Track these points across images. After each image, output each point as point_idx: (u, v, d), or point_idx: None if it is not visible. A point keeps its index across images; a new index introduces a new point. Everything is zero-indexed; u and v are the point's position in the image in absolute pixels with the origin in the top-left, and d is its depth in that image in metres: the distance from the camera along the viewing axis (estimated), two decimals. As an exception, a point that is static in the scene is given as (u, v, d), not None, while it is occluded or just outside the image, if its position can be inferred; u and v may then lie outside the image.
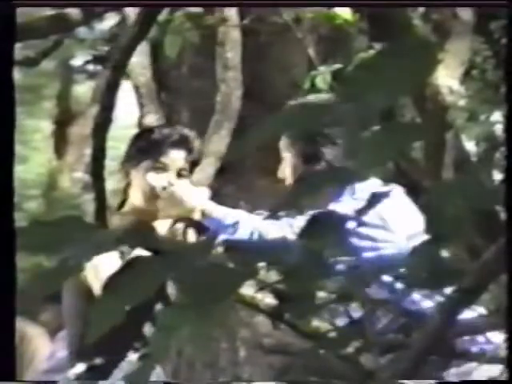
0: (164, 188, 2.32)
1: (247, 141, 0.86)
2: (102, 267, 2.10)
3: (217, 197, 2.44)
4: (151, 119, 3.70)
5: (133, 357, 2.29)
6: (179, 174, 2.37)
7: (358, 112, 0.82)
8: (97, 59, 8.02)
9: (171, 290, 2.20)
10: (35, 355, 3.94)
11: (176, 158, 2.37)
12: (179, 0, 2.86)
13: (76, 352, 2.33)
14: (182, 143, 2.38)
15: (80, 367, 2.31)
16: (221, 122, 3.66)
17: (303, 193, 0.94)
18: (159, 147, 2.36)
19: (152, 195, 2.33)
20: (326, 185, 0.98)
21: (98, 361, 2.30)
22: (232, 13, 3.59)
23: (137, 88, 3.86)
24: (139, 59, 3.84)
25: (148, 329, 2.28)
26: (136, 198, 2.37)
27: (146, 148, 2.37)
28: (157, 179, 2.34)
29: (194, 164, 2.43)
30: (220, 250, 0.83)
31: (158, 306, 2.23)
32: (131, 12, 3.40)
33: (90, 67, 8.46)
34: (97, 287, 2.19)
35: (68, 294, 2.36)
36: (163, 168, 2.35)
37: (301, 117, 0.86)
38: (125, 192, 2.44)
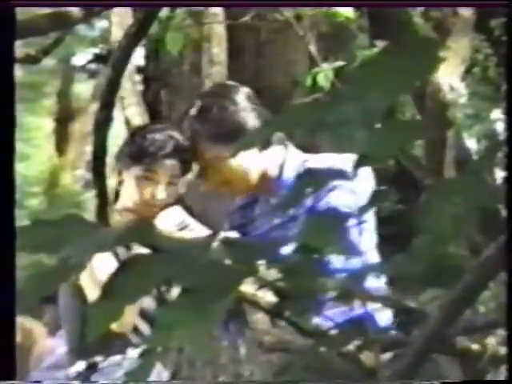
0: (153, 196, 2.27)
1: (248, 141, 0.86)
2: (97, 270, 2.11)
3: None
4: (132, 111, 3.60)
5: (132, 353, 2.29)
6: (169, 183, 2.29)
7: (360, 110, 0.82)
8: (97, 57, 8.02)
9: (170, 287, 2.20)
10: (40, 353, 3.94)
11: (169, 167, 2.28)
12: (178, 0, 2.86)
13: (75, 350, 2.33)
14: (176, 153, 2.28)
15: (80, 365, 2.32)
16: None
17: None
18: (152, 157, 2.28)
19: (141, 201, 2.29)
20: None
21: (97, 358, 2.31)
22: (217, 9, 3.56)
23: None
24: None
25: (143, 326, 2.28)
26: (126, 199, 2.32)
27: (138, 155, 2.30)
28: (146, 189, 2.28)
29: (185, 169, 2.32)
30: (219, 247, 0.83)
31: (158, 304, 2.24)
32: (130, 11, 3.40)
33: (91, 65, 8.46)
34: (92, 291, 2.19)
35: (63, 295, 2.36)
36: (154, 178, 2.28)
37: (302, 117, 0.86)
38: (117, 189, 2.39)
